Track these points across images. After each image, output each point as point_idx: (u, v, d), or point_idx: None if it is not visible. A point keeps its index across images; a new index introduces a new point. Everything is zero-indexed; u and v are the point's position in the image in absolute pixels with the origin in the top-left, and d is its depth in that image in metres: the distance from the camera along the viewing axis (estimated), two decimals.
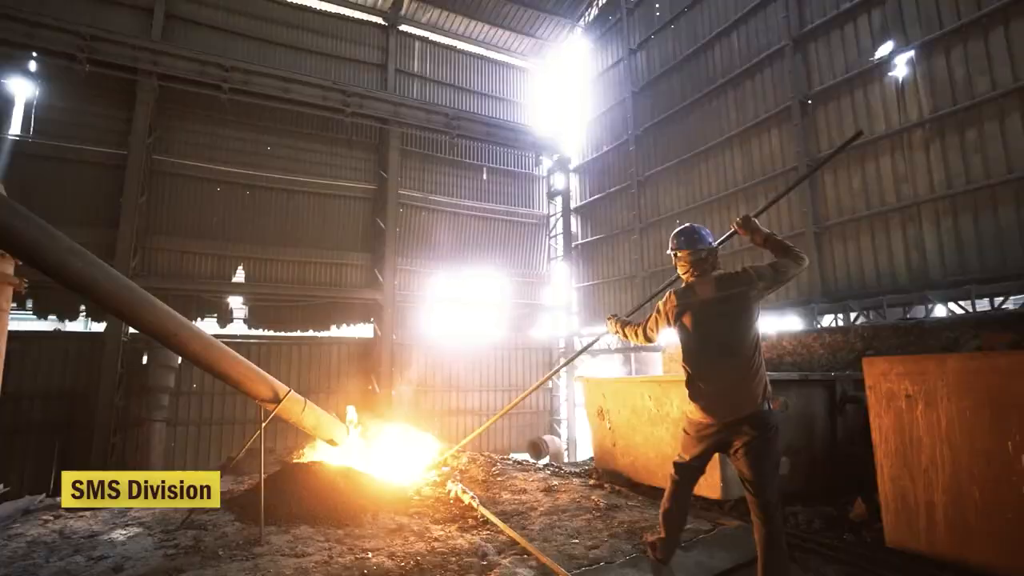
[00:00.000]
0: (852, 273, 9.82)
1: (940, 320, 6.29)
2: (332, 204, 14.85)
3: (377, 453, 4.43)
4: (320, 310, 14.47)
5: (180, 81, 12.63)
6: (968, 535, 2.96)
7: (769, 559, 2.64)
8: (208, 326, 15.64)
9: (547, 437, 13.45)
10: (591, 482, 4.75)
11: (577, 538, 3.23)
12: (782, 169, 11.02)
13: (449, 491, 3.91)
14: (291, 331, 14.11)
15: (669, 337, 3.16)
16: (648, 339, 3.30)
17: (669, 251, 3.17)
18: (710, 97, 12.83)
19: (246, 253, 13.75)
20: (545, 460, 10.75)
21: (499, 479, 4.63)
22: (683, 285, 3.08)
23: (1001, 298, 8.10)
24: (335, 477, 3.71)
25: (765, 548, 2.66)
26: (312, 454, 4.68)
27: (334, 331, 14.71)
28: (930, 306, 8.74)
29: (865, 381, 3.48)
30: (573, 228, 17.77)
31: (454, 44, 17.23)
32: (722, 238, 3.25)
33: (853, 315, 9.57)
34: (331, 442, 4.08)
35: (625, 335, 3.46)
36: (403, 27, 16.22)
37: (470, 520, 3.48)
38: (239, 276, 13.75)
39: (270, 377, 3.52)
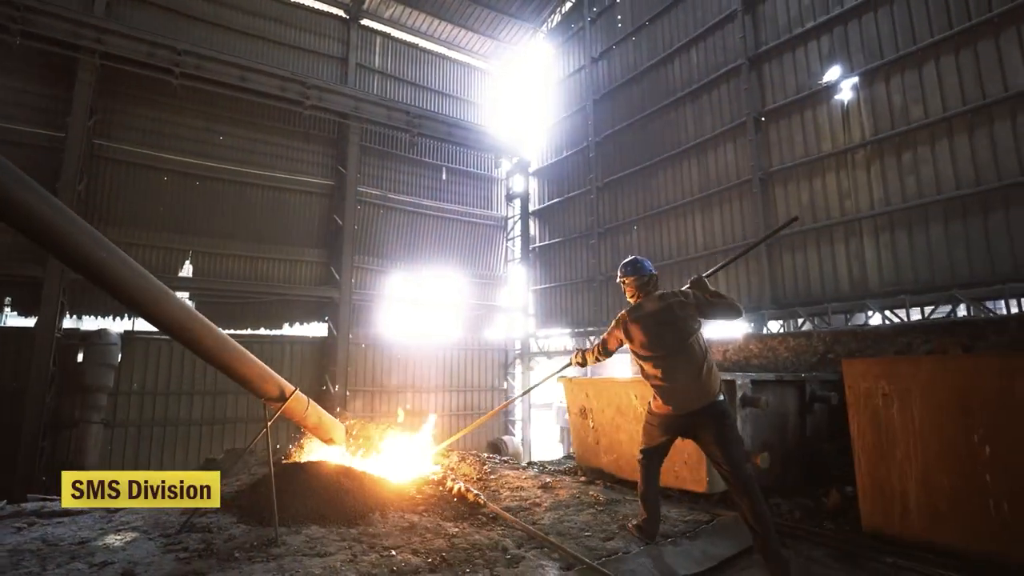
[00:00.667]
0: (799, 282, 10.48)
1: (895, 326, 6.90)
2: (287, 198, 14.40)
3: (372, 452, 4.39)
4: (272, 307, 14.00)
5: (127, 62, 11.90)
6: (938, 519, 3.30)
7: (763, 533, 2.90)
8: None
9: (506, 438, 13.57)
10: (582, 479, 4.88)
11: (589, 531, 3.35)
12: (736, 181, 11.62)
13: (451, 488, 3.94)
14: (241, 329, 13.56)
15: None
16: (607, 354, 3.78)
17: (618, 280, 3.74)
18: (669, 109, 13.35)
19: (195, 246, 13.12)
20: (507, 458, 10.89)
21: (492, 477, 4.69)
22: (633, 304, 3.61)
23: (931, 307, 8.90)
24: (338, 476, 3.66)
25: (756, 522, 2.94)
26: (300, 455, 4.58)
27: (287, 329, 14.26)
28: (870, 313, 9.48)
29: (844, 381, 3.79)
30: (531, 231, 17.98)
31: (416, 42, 17.09)
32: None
33: (799, 321, 10.24)
34: (330, 441, 4.02)
35: (587, 360, 3.91)
36: (365, 21, 15.94)
37: (480, 516, 3.53)
38: (187, 270, 13.10)
39: (277, 375, 3.44)
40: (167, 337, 11.12)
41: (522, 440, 16.73)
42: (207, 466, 4.87)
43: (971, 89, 8.52)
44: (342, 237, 14.43)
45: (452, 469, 4.73)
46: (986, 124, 8.36)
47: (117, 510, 3.74)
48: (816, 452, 4.83)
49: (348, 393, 14.09)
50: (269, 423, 3.37)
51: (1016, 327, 4.44)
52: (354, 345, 14.54)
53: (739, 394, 4.59)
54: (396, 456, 4.53)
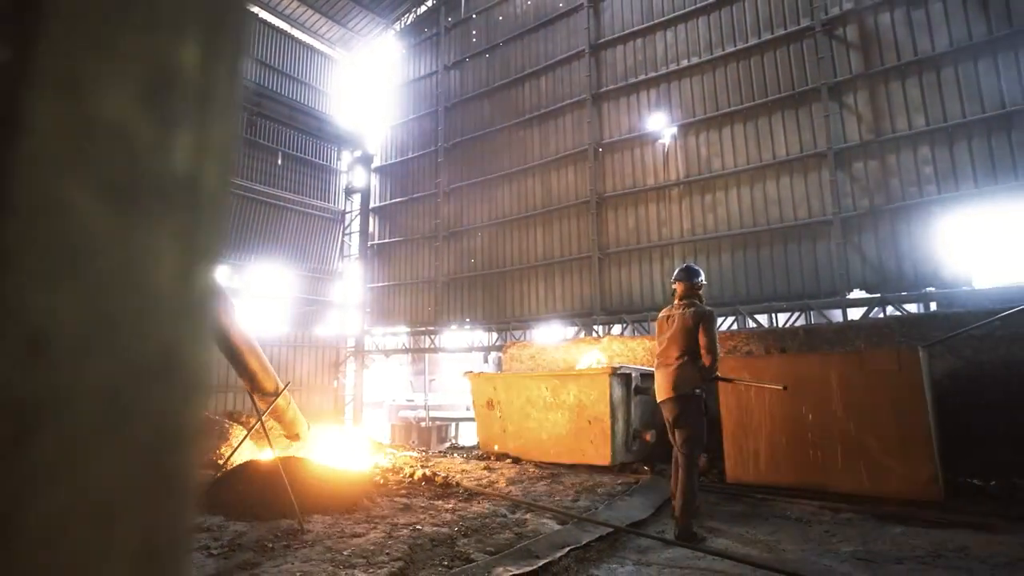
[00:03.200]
0: (624, 292, 12.46)
1: (725, 333, 8.82)
2: None
3: (315, 446, 4.38)
4: None
5: None
6: (778, 467, 4.71)
7: (687, 485, 3.81)
8: None
9: None
10: (509, 461, 5.49)
11: (557, 496, 4.00)
12: (575, 201, 13.27)
13: (412, 474, 4.23)
14: None
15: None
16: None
17: (671, 282, 4.29)
18: (518, 127, 14.57)
19: None
20: (446, 446, 10.93)
21: (431, 463, 5.03)
22: (672, 305, 4.24)
23: (722, 319, 11.41)
24: (317, 469, 3.71)
25: (684, 477, 3.81)
26: (238, 454, 4.32)
27: None
28: None
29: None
30: (371, 227, 17.75)
31: (256, 11, 15.69)
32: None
33: (623, 327, 12.18)
34: (295, 437, 3.95)
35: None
36: None
37: (460, 494, 3.93)
38: None
39: (274, 372, 3.41)
40: None
41: None
42: None
43: (752, 153, 11.20)
44: None
45: (398, 459, 4.95)
46: (760, 181, 11.09)
47: None
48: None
49: None
50: (263, 417, 3.36)
51: (803, 335, 6.32)
52: None
53: (633, 384, 5.69)
54: (339, 449, 4.61)
